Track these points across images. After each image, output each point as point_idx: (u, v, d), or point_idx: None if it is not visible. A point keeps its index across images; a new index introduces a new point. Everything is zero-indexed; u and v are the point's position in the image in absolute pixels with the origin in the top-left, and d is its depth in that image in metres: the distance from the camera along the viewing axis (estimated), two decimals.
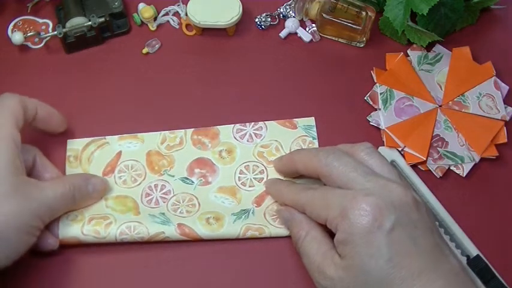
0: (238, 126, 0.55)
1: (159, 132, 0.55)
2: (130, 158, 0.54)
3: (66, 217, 0.50)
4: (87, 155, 0.54)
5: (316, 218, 0.45)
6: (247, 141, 0.55)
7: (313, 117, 0.55)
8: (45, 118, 0.51)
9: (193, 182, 0.53)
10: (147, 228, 0.50)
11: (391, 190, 0.42)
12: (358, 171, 0.44)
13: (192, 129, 0.55)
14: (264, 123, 0.55)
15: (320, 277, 0.43)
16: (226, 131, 0.55)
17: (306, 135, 0.55)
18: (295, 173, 0.51)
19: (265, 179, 0.53)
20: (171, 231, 0.50)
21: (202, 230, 0.50)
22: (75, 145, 0.54)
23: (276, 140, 0.55)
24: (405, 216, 0.41)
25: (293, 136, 0.55)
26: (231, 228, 0.51)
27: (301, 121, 0.55)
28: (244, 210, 0.52)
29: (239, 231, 0.51)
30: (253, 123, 0.55)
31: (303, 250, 0.46)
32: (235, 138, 0.55)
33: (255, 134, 0.55)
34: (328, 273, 0.43)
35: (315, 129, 0.55)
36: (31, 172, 0.50)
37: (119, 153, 0.54)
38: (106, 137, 0.55)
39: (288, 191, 0.49)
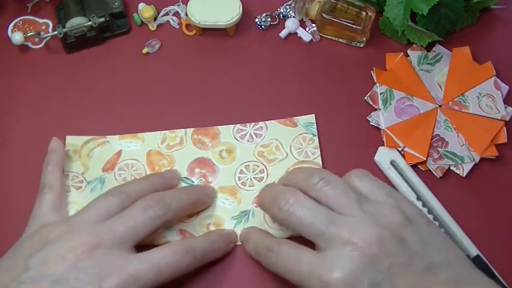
0: (238, 126, 0.55)
1: (160, 131, 0.55)
2: (131, 157, 0.54)
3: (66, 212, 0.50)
4: (86, 151, 0.54)
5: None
6: (248, 141, 0.54)
7: (313, 115, 0.55)
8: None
9: (193, 182, 0.53)
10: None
11: (356, 244, 0.40)
12: (318, 221, 0.42)
13: (193, 128, 0.55)
14: (265, 123, 0.55)
15: None
16: (226, 131, 0.55)
17: (306, 133, 0.55)
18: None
19: (265, 179, 0.53)
20: (173, 237, 0.50)
21: None
22: (74, 141, 0.54)
23: (276, 139, 0.54)
24: (378, 270, 0.40)
25: (293, 134, 0.55)
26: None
27: (302, 119, 0.55)
28: (244, 211, 0.52)
29: (239, 237, 0.51)
30: (253, 123, 0.55)
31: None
32: (235, 138, 0.55)
33: (255, 134, 0.55)
34: None
35: (315, 126, 0.55)
36: None
37: (119, 152, 0.54)
38: (106, 136, 0.54)
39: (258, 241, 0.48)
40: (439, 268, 0.41)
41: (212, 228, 0.51)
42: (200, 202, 0.51)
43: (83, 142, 0.54)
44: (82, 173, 0.53)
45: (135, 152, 0.54)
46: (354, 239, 0.41)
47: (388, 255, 0.40)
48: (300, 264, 0.42)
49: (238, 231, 0.51)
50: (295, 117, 0.55)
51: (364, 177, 0.46)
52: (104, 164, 0.53)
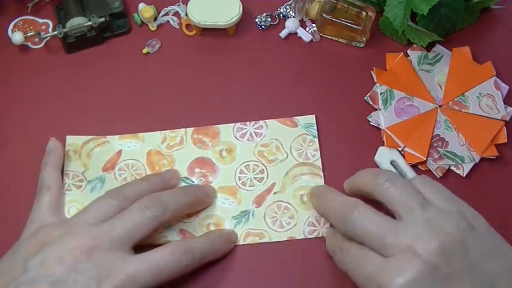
0: (238, 125, 0.55)
1: (160, 131, 0.55)
2: (131, 158, 0.54)
3: (67, 211, 0.50)
4: (86, 150, 0.54)
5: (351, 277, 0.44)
6: (248, 140, 0.54)
7: (313, 115, 0.55)
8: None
9: (193, 182, 0.53)
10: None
11: (416, 251, 0.41)
12: (381, 230, 0.43)
13: (193, 128, 0.55)
14: (265, 122, 0.55)
15: None
16: (226, 130, 0.55)
17: (307, 134, 0.54)
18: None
19: (265, 179, 0.53)
20: (173, 236, 0.50)
21: None
22: (74, 141, 0.54)
23: (276, 139, 0.54)
24: (436, 279, 0.40)
25: (294, 135, 0.54)
26: None
27: (302, 119, 0.55)
28: (244, 211, 0.52)
29: (239, 237, 0.51)
30: (253, 122, 0.55)
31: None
32: (235, 137, 0.54)
33: (255, 132, 0.55)
34: None
35: (315, 127, 0.55)
36: None
37: (119, 152, 0.54)
38: (106, 136, 0.54)
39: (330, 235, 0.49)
40: (500, 277, 0.41)
41: (212, 228, 0.51)
42: (199, 202, 0.51)
43: (83, 142, 0.54)
44: (82, 172, 0.53)
45: (135, 152, 0.54)
46: (415, 246, 0.41)
47: (449, 265, 0.40)
48: (364, 266, 0.42)
49: (239, 231, 0.51)
50: (295, 117, 0.55)
51: (427, 182, 0.46)
52: (104, 164, 0.53)
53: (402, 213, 0.43)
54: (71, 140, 0.54)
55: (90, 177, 0.53)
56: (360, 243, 0.44)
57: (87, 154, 0.54)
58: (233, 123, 0.55)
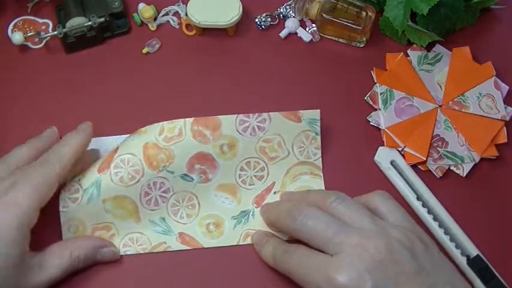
0: (241, 117, 0.52)
1: (158, 123, 0.51)
2: (127, 152, 0.50)
3: (67, 229, 0.50)
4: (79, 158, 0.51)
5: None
6: (250, 134, 0.52)
7: (318, 110, 0.53)
8: None
9: (193, 179, 0.52)
10: (149, 239, 0.50)
11: (366, 248, 0.41)
12: (330, 229, 0.43)
13: (192, 118, 0.51)
14: (268, 115, 0.52)
15: None
16: (228, 122, 0.52)
17: (309, 130, 0.53)
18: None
19: (265, 177, 0.53)
20: (172, 241, 0.50)
21: (203, 238, 0.51)
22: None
23: (278, 135, 0.53)
24: (384, 276, 0.41)
25: (296, 130, 0.53)
26: (231, 234, 0.51)
27: (306, 114, 0.53)
28: (244, 211, 0.52)
29: (239, 237, 0.51)
30: (257, 114, 0.52)
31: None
32: (237, 131, 0.52)
33: (258, 126, 0.52)
34: None
35: (319, 123, 0.53)
36: None
37: (116, 149, 0.51)
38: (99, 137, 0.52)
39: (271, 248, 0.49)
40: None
41: (212, 229, 0.51)
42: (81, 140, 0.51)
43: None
44: (78, 180, 0.50)
45: (132, 146, 0.51)
46: (364, 243, 0.42)
47: (397, 264, 0.41)
48: (311, 263, 0.43)
49: (239, 231, 0.51)
50: (300, 111, 0.53)
51: (386, 199, 0.47)
52: (100, 164, 0.51)
53: (352, 224, 0.44)
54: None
55: (86, 184, 0.50)
56: (306, 243, 0.44)
57: (80, 160, 0.51)
58: (236, 115, 0.52)
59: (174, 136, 0.51)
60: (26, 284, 0.44)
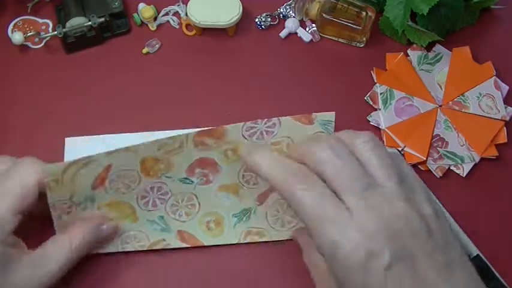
0: (249, 124, 0.47)
1: (156, 142, 0.46)
2: (123, 169, 0.47)
3: (60, 232, 0.48)
4: (69, 176, 0.46)
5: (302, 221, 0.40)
6: (257, 139, 0.47)
7: (333, 113, 0.48)
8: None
9: (192, 181, 0.50)
10: (148, 236, 0.50)
11: (385, 214, 0.38)
12: (354, 182, 0.39)
13: (194, 132, 0.47)
14: (278, 120, 0.47)
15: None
16: (235, 130, 0.47)
17: (322, 131, 0.48)
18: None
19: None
20: (171, 239, 0.50)
21: (203, 236, 0.50)
22: (53, 169, 0.45)
23: (288, 137, 0.48)
24: (402, 247, 0.37)
25: (308, 132, 0.48)
26: (231, 232, 0.51)
27: (320, 116, 0.48)
28: (245, 209, 0.51)
29: (239, 236, 0.50)
30: (266, 119, 0.47)
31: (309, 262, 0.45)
32: (243, 136, 0.47)
33: (266, 131, 0.48)
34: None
35: (333, 125, 0.48)
36: None
37: (108, 167, 0.47)
38: (91, 155, 0.46)
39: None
40: (457, 266, 0.39)
41: (212, 227, 0.51)
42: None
43: (63, 168, 0.45)
44: (70, 198, 0.47)
45: (128, 162, 0.47)
46: (387, 207, 0.38)
47: (414, 237, 0.38)
48: (327, 207, 0.38)
49: (239, 229, 0.50)
50: (313, 113, 0.48)
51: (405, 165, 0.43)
52: (93, 182, 0.47)
53: (378, 178, 0.40)
54: (48, 169, 0.45)
55: (79, 199, 0.48)
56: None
57: (71, 179, 0.46)
58: (243, 123, 0.47)
59: (174, 149, 0.47)
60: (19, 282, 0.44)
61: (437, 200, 0.45)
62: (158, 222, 0.50)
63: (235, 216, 0.51)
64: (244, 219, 0.51)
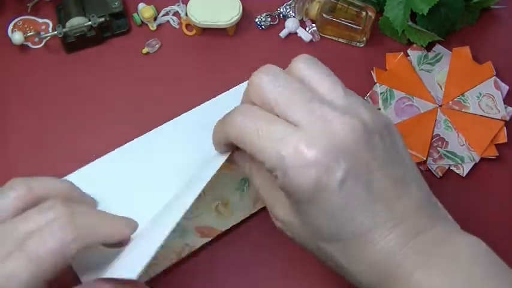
0: None
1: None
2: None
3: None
4: None
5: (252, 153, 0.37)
6: None
7: None
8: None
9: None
10: (172, 248, 0.48)
11: (336, 126, 0.35)
12: (297, 96, 0.36)
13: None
14: None
15: (272, 217, 0.40)
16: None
17: None
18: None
19: None
20: (193, 239, 0.48)
21: (217, 223, 0.49)
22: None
23: None
24: (355, 160, 0.35)
25: None
26: (239, 207, 0.49)
27: None
28: (242, 179, 0.50)
29: (248, 206, 0.49)
30: None
31: (253, 183, 0.42)
32: None
33: None
34: (278, 215, 0.39)
35: None
36: None
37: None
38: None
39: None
40: (411, 182, 0.38)
41: (221, 208, 0.49)
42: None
43: None
44: None
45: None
46: (339, 120, 0.35)
47: (370, 149, 0.36)
48: (272, 129, 0.36)
49: (245, 200, 0.49)
50: None
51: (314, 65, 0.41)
52: None
53: (324, 94, 0.38)
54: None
55: None
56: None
57: None
58: None
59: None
60: None
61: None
62: (175, 229, 0.49)
63: (237, 189, 0.50)
64: (245, 189, 0.50)
